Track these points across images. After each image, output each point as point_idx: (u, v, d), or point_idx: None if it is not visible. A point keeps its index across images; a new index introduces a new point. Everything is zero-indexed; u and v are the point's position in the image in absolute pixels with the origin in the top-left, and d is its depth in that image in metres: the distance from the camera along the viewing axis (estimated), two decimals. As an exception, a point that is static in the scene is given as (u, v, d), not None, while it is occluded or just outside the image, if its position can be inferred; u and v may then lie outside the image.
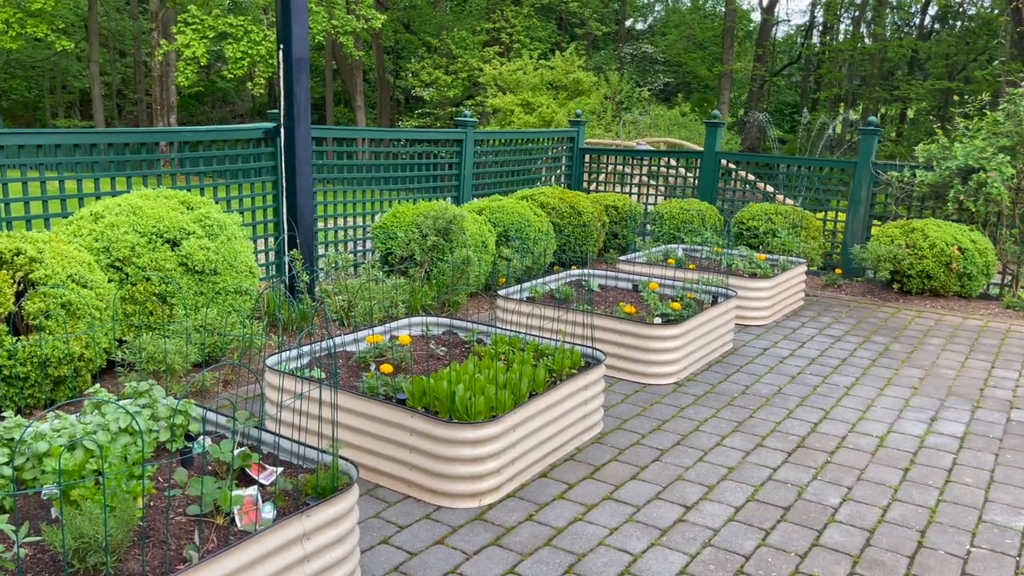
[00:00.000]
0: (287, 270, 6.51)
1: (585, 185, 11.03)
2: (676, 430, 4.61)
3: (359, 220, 8.08)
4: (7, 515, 2.49)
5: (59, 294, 4.29)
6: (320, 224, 7.56)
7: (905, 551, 3.38)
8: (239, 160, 6.59)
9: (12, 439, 2.94)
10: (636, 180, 10.95)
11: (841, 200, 9.30)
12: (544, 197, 8.56)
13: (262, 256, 6.96)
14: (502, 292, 5.94)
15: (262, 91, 22.46)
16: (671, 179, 10.97)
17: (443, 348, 4.82)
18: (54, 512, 2.75)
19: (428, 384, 3.76)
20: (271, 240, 6.99)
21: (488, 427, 3.59)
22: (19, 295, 4.28)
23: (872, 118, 8.85)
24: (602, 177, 11.33)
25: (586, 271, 6.78)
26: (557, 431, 4.13)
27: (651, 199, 10.73)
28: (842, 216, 9.22)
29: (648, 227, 9.73)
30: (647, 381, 5.37)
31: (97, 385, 3.36)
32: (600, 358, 4.51)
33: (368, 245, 8.09)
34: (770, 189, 10.44)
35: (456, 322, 5.14)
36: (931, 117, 29.17)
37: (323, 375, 4.14)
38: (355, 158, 7.92)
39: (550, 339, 4.66)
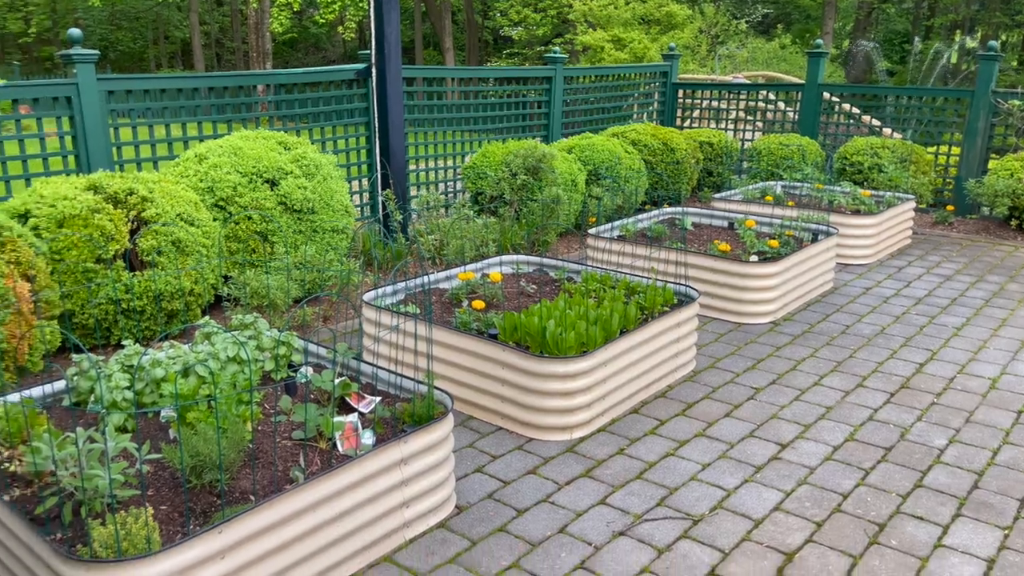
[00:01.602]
0: (381, 209, 6.62)
1: (678, 122, 10.72)
2: (771, 369, 4.51)
3: (449, 161, 8.12)
4: (130, 435, 2.67)
5: (169, 231, 4.50)
6: (411, 165, 7.63)
7: (1016, 494, 3.23)
8: (332, 102, 6.69)
9: (132, 366, 3.13)
10: (732, 116, 10.56)
11: (955, 133, 8.73)
12: (636, 134, 8.37)
13: (356, 197, 7.10)
14: (592, 231, 5.89)
15: (352, 35, 22.64)
16: (769, 114, 10.53)
17: (533, 286, 4.83)
18: (171, 433, 2.93)
19: (519, 320, 3.79)
20: (364, 181, 7.11)
21: (578, 362, 3.60)
22: (133, 233, 4.51)
23: (992, 43, 8.20)
24: (696, 113, 10.97)
25: (679, 209, 6.64)
26: (648, 368, 4.10)
27: (748, 135, 10.35)
28: (956, 150, 8.66)
29: (744, 164, 9.40)
30: (742, 320, 5.25)
31: (207, 318, 3.53)
32: (694, 296, 4.43)
33: (458, 186, 8.13)
34: (876, 123, 9.89)
35: (546, 260, 5.14)
36: (1060, 42, 26.84)
37: (418, 310, 4.22)
38: (444, 99, 7.92)
39: (642, 277, 4.60)
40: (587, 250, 5.91)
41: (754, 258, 5.32)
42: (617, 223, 6.04)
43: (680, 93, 10.62)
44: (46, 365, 4.03)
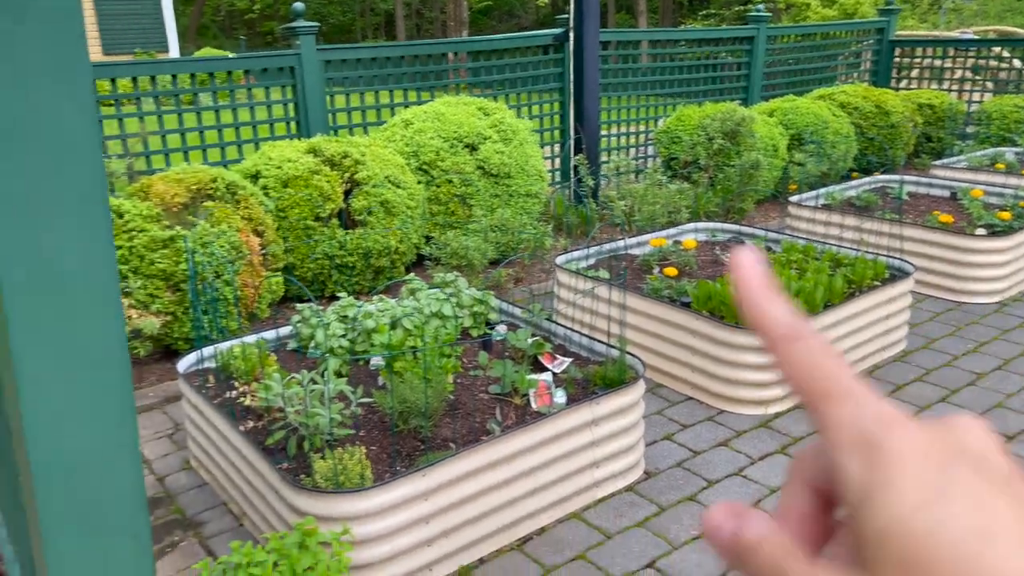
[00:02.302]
0: (573, 174, 6.66)
1: (894, 83, 9.87)
2: (997, 354, 4.10)
3: (640, 126, 7.98)
4: (344, 379, 2.90)
5: (378, 193, 4.79)
6: (603, 131, 7.58)
7: None
8: (528, 67, 6.77)
9: (346, 316, 3.38)
10: (957, 75, 9.56)
11: None
12: (845, 96, 7.80)
13: (548, 162, 7.16)
14: (793, 199, 5.59)
15: (545, 0, 22.71)
16: (1003, 73, 9.43)
17: (728, 254, 4.67)
18: (380, 380, 3.14)
19: (714, 288, 3.69)
20: (556, 147, 7.16)
21: (778, 335, 3.45)
22: (346, 193, 4.84)
23: None
24: (915, 73, 10.04)
25: (894, 177, 6.14)
26: (854, 345, 3.86)
27: (976, 96, 9.34)
28: None
29: (969, 128, 8.51)
30: (963, 299, 4.80)
31: (412, 275, 3.73)
32: (908, 270, 4.10)
33: (650, 151, 7.99)
34: None
35: (743, 228, 4.95)
36: None
37: (609, 275, 4.22)
38: (637, 62, 7.77)
39: (849, 249, 4.32)
40: (787, 219, 5.63)
41: (981, 231, 4.83)
42: (822, 191, 5.69)
43: (897, 51, 9.75)
44: (272, 313, 4.45)
